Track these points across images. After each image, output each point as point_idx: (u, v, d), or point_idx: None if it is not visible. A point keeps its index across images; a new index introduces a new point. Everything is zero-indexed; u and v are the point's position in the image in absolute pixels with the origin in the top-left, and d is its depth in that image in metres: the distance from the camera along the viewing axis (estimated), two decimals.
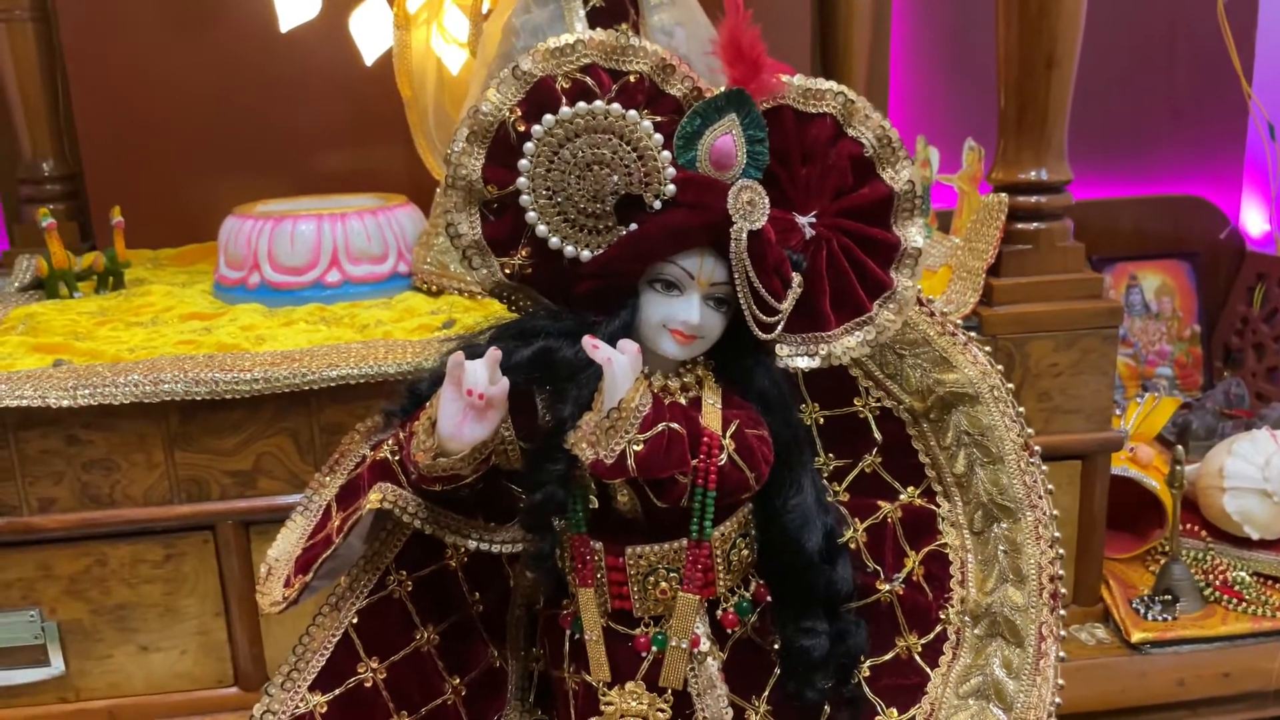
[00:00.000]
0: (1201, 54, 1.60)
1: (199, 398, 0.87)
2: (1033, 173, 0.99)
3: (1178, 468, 1.04)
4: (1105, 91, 1.56)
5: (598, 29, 0.64)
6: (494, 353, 0.58)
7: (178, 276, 1.25)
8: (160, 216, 1.40)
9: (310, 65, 1.43)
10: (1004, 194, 1.00)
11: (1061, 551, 0.71)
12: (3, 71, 1.27)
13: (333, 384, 0.88)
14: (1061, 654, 0.70)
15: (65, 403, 0.86)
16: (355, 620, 0.65)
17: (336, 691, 0.64)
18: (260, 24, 1.36)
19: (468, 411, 0.58)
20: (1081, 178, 1.09)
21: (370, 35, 1.29)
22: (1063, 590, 0.70)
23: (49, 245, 1.13)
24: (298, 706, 0.64)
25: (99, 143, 1.42)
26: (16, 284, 1.18)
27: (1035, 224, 1.00)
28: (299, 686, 0.63)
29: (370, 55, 1.30)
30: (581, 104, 0.60)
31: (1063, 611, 0.70)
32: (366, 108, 1.43)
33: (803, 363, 0.66)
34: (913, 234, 0.66)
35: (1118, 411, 1.17)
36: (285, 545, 0.73)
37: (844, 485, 0.74)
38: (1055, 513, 0.72)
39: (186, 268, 1.31)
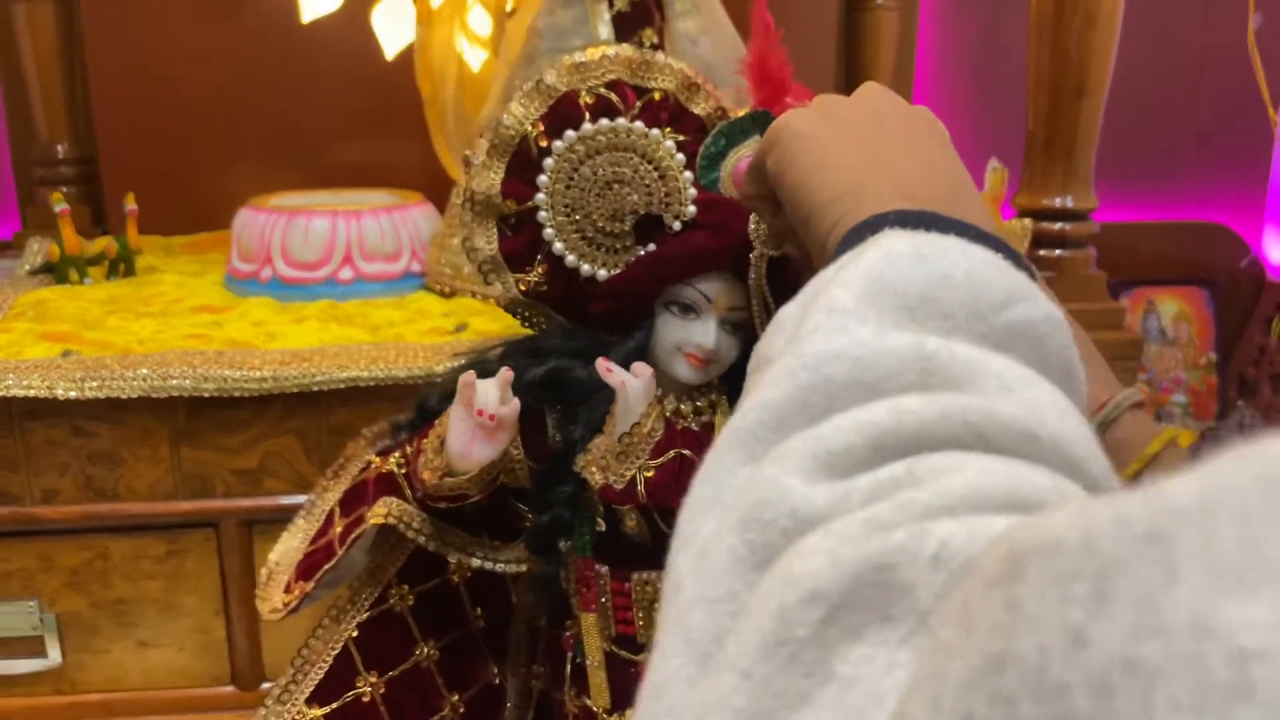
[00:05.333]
0: (1230, 81, 1.58)
1: (207, 394, 0.86)
2: (1058, 200, 0.98)
3: None
4: (1131, 115, 1.54)
5: (623, 43, 0.63)
6: (505, 373, 0.57)
7: (189, 265, 1.25)
8: (174, 202, 1.39)
9: (330, 57, 1.43)
10: (1028, 219, 0.98)
11: None
12: (21, 52, 1.26)
13: (342, 385, 0.88)
14: None
15: (73, 394, 0.85)
16: (355, 633, 0.64)
17: (334, 705, 0.63)
18: (282, 14, 1.35)
19: (477, 431, 0.57)
20: (1103, 200, 1.07)
21: (392, 30, 1.28)
22: None
23: (61, 230, 1.13)
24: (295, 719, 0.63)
25: (115, 127, 1.42)
26: (28, 267, 1.18)
27: (1058, 251, 0.99)
28: (296, 699, 0.63)
29: (391, 50, 1.29)
30: (604, 120, 0.58)
31: None
32: (385, 102, 1.42)
33: None
34: None
35: None
36: (286, 549, 0.72)
37: None
38: None
39: (198, 256, 1.31)
